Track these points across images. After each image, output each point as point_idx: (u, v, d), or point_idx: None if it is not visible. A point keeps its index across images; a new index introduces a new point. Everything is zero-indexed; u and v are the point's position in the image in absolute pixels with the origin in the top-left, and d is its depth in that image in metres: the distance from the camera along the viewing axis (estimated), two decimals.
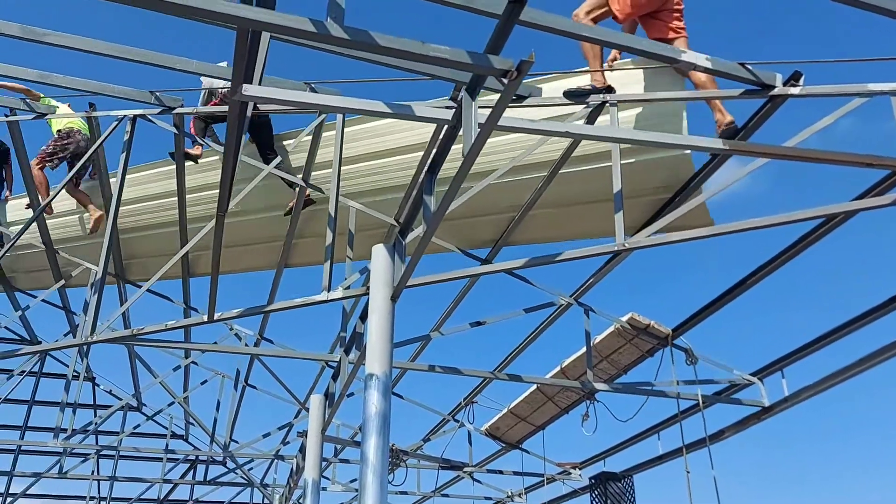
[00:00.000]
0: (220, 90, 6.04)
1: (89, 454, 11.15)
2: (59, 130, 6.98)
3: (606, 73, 4.83)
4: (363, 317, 5.65)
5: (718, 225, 4.21)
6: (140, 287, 7.24)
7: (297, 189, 5.94)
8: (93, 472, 11.30)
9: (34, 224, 6.57)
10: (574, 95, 4.76)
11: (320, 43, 2.95)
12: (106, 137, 5.88)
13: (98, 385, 11.35)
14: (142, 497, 12.36)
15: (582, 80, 4.86)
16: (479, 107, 2.98)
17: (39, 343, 9.57)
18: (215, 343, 8.22)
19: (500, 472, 10.38)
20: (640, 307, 6.98)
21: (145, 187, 6.59)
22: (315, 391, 9.58)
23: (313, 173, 5.81)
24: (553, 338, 7.81)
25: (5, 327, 9.08)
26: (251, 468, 11.98)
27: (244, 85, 2.81)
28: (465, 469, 10.14)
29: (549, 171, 5.24)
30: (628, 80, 4.95)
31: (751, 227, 4.10)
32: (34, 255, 7.30)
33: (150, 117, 5.64)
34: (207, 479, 11.89)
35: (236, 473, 11.87)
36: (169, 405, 10.94)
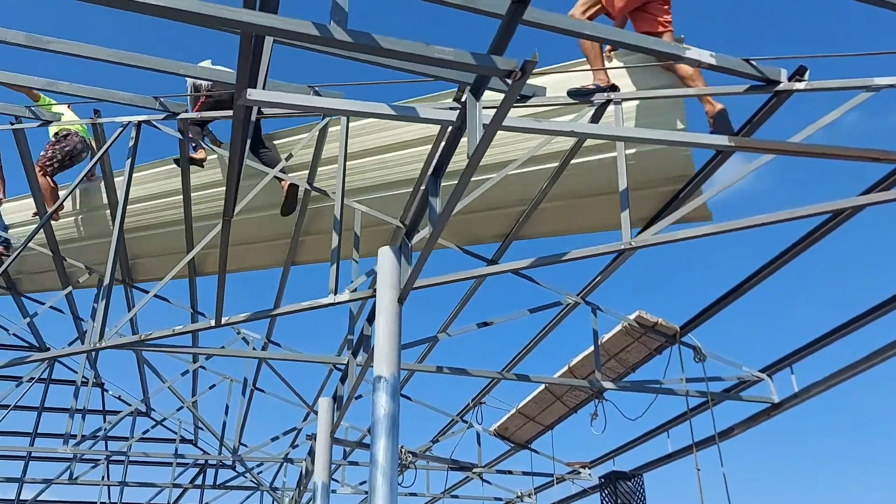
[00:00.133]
0: (204, 85, 6.01)
1: (99, 460, 11.20)
2: (55, 133, 7.01)
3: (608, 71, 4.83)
4: (370, 319, 5.66)
5: (725, 222, 4.18)
6: (146, 292, 7.32)
7: (302, 192, 5.95)
8: (103, 477, 11.34)
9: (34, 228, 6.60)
10: (578, 95, 4.76)
11: (324, 46, 2.95)
12: (111, 143, 5.90)
13: (107, 391, 11.37)
14: (152, 502, 12.37)
15: (580, 74, 4.85)
16: (483, 107, 2.98)
17: (48, 350, 9.60)
18: (223, 347, 8.23)
19: (510, 473, 10.37)
20: (647, 305, 6.97)
21: (146, 186, 6.57)
22: (323, 394, 9.61)
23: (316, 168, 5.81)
24: (560, 337, 7.83)
25: (14, 334, 9.12)
26: (261, 472, 12.00)
27: (248, 89, 2.81)
28: (475, 470, 10.13)
29: (560, 161, 5.21)
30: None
31: (757, 224, 4.09)
32: (38, 256, 7.31)
33: (154, 123, 5.65)
34: (217, 483, 11.91)
35: (246, 477, 11.89)
36: (178, 410, 10.96)
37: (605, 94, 4.70)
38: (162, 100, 5.63)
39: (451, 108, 5.02)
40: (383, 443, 3.56)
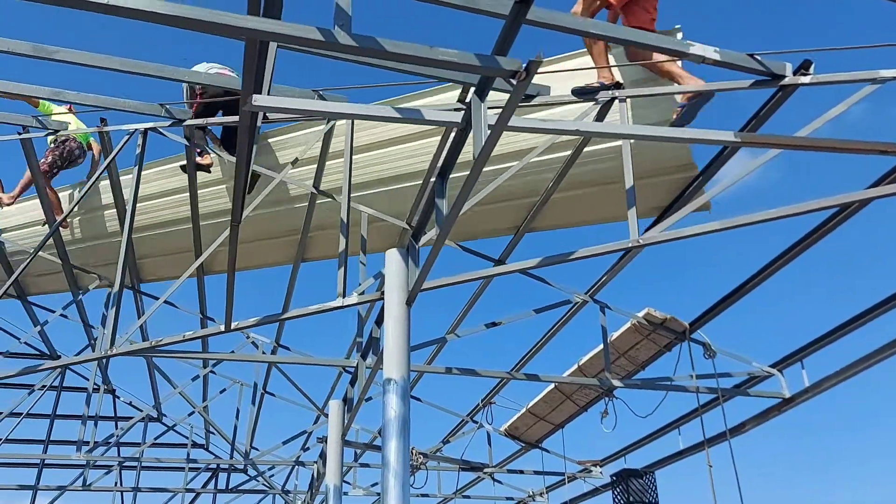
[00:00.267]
0: (198, 87, 6.03)
1: (112, 466, 11.22)
2: (54, 139, 7.06)
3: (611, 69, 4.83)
4: (379, 321, 5.67)
5: (732, 218, 4.17)
6: (156, 298, 7.34)
7: (310, 196, 5.97)
8: (116, 483, 11.37)
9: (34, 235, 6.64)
10: (583, 93, 4.76)
11: (329, 51, 2.96)
12: (119, 151, 5.93)
13: (118, 397, 11.42)
14: None
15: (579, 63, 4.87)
16: (488, 107, 2.98)
17: (59, 358, 9.64)
18: (233, 352, 8.26)
19: (521, 472, 10.37)
20: (655, 301, 6.93)
21: (150, 185, 6.55)
22: (333, 396, 9.63)
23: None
24: (569, 336, 7.81)
25: (25, 343, 9.17)
26: (272, 475, 12.04)
27: (254, 95, 2.83)
28: (486, 470, 10.13)
29: (573, 150, 5.20)
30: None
31: (765, 219, 4.07)
32: (43, 259, 7.34)
33: (161, 130, 5.68)
34: (229, 487, 11.95)
35: (258, 481, 11.92)
36: (189, 415, 11.01)
37: (610, 91, 4.70)
38: (168, 107, 5.67)
39: (455, 110, 5.03)
40: (394, 444, 3.57)
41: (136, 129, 5.72)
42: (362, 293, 5.05)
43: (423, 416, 10.24)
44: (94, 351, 8.27)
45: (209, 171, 6.28)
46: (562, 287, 6.72)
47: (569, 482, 9.85)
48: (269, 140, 6.10)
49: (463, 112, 3.19)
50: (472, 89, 3.05)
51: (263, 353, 8.47)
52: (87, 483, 10.39)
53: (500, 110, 2.85)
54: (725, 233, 4.21)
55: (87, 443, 9.40)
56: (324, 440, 7.65)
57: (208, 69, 6.01)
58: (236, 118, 5.75)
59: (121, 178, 6.56)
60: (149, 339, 7.37)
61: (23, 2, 2.48)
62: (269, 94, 3.12)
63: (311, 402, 9.95)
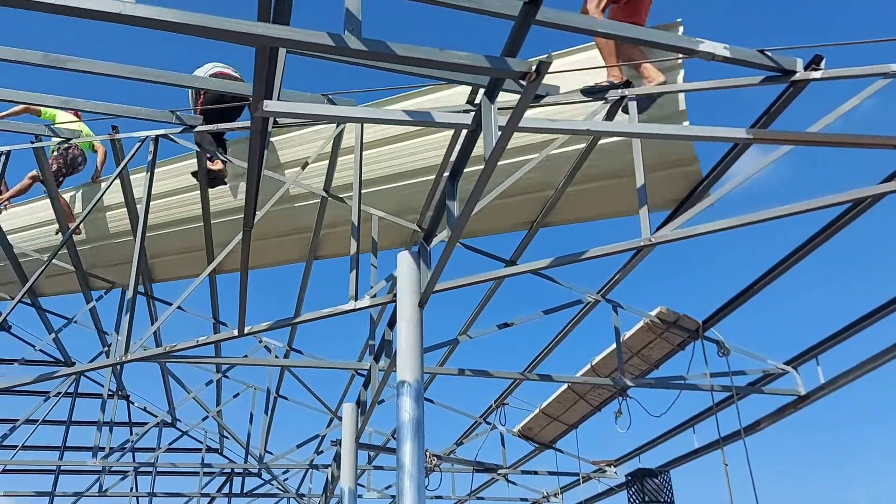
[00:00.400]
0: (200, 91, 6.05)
1: (127, 471, 11.30)
2: (57, 147, 7.12)
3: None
4: (391, 323, 5.68)
5: (744, 215, 4.15)
6: (169, 304, 7.38)
7: (320, 200, 5.98)
8: (132, 488, 11.43)
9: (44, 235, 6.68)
10: (592, 93, 4.76)
11: (339, 55, 2.97)
12: (131, 158, 5.97)
13: (132, 403, 11.48)
14: None
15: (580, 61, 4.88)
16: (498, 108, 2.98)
17: (74, 364, 9.71)
18: (246, 356, 8.30)
19: (535, 473, 10.35)
20: (666, 300, 6.92)
21: (159, 184, 6.56)
22: (346, 399, 9.64)
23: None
24: (582, 335, 7.79)
25: (40, 350, 9.23)
26: (287, 479, 12.06)
27: (265, 101, 2.84)
28: (500, 471, 10.11)
29: (587, 143, 5.19)
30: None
31: (777, 216, 4.05)
32: (54, 263, 7.38)
33: (172, 137, 5.71)
34: (244, 491, 11.98)
35: (272, 485, 11.95)
36: (203, 419, 11.05)
37: (619, 90, 4.69)
38: (178, 113, 5.69)
39: (465, 111, 5.04)
40: (409, 446, 3.57)
41: (147, 136, 5.76)
42: (374, 296, 5.06)
43: (436, 417, 10.24)
44: (108, 357, 8.32)
45: (225, 182, 6.29)
46: (573, 287, 6.70)
47: (583, 482, 9.83)
48: (273, 139, 6.10)
49: (473, 114, 3.19)
50: (482, 91, 3.05)
51: (276, 357, 8.50)
52: (104, 489, 10.46)
53: (509, 111, 2.85)
54: (736, 230, 4.20)
55: (102, 449, 9.46)
56: (338, 443, 7.65)
57: (210, 69, 6.05)
58: (246, 123, 5.81)
59: (131, 176, 6.58)
60: (162, 345, 7.42)
61: (32, 11, 2.50)
62: (279, 100, 3.13)
63: (324, 405, 9.97)
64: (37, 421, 10.24)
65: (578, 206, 5.97)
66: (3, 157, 6.38)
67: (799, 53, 4.14)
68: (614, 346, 6.99)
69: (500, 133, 2.88)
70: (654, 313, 6.89)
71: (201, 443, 11.47)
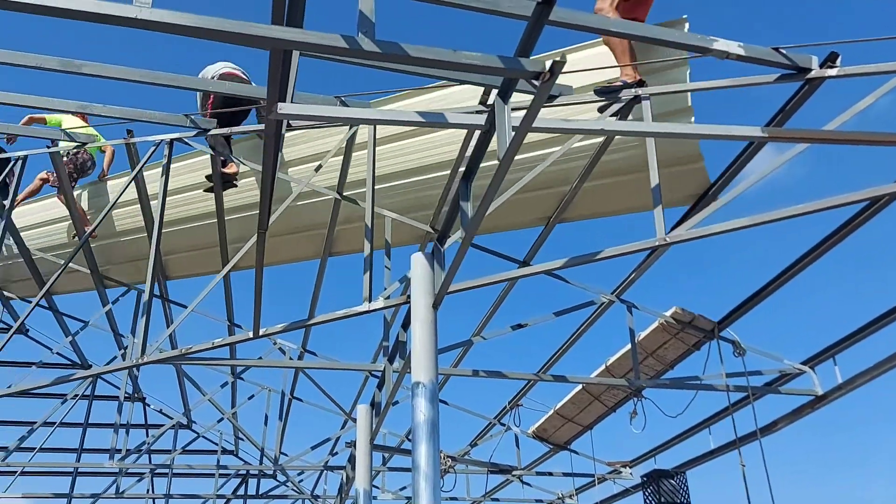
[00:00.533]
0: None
1: (144, 473, 11.37)
2: (66, 152, 7.19)
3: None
4: (405, 325, 5.68)
5: (759, 214, 4.13)
6: (184, 306, 7.41)
7: (334, 202, 6.00)
8: (148, 490, 11.51)
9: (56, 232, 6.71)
10: (605, 92, 4.74)
11: (352, 58, 2.98)
12: (146, 162, 6.01)
13: (148, 405, 11.56)
14: None
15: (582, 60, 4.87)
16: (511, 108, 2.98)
17: (90, 367, 9.78)
18: (260, 358, 8.33)
19: (550, 474, 10.33)
20: (681, 300, 6.89)
21: (172, 180, 6.59)
22: (360, 401, 9.65)
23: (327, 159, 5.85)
24: (596, 336, 7.77)
25: (57, 353, 9.32)
26: (301, 480, 12.09)
27: (279, 103, 2.85)
28: (514, 472, 10.10)
29: (603, 140, 5.18)
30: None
31: (793, 215, 4.03)
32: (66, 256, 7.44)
33: (186, 140, 5.75)
34: (259, 492, 12.03)
35: (287, 486, 11.98)
36: (218, 421, 11.09)
37: (633, 90, 4.67)
38: (192, 117, 5.73)
39: (478, 112, 5.04)
40: (424, 448, 3.57)
41: (161, 140, 5.80)
42: (388, 297, 5.07)
43: (451, 419, 10.25)
44: (124, 359, 8.37)
45: (236, 185, 6.31)
46: (588, 287, 6.68)
47: (599, 484, 9.80)
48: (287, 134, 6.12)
49: (486, 114, 3.18)
50: (495, 91, 3.05)
51: (290, 358, 8.53)
52: (121, 490, 10.53)
53: (523, 110, 2.84)
54: (751, 229, 4.17)
55: (119, 451, 9.53)
56: (352, 444, 7.66)
57: (220, 69, 6.07)
58: (259, 126, 5.84)
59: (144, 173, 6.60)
60: (178, 347, 7.46)
61: (49, 17, 2.52)
62: (292, 102, 3.14)
63: (338, 406, 9.99)
64: (54, 423, 10.33)
65: (595, 201, 5.94)
66: (21, 161, 6.44)
67: (811, 51, 4.11)
68: (629, 346, 6.97)
69: (513, 133, 2.88)
70: (668, 314, 6.85)
71: (217, 444, 11.52)
